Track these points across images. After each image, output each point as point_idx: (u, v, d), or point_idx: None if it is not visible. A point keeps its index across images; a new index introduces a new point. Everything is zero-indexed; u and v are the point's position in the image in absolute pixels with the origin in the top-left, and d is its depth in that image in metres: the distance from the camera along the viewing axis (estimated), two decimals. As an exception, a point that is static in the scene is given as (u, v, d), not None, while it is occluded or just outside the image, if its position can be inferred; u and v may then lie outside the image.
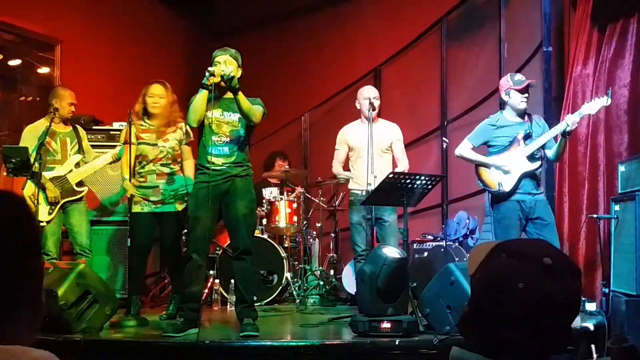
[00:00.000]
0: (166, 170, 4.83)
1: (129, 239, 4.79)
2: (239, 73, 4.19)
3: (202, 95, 4.05)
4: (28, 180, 4.78)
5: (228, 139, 4.17)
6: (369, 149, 4.86)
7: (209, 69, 4.06)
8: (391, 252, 4.14)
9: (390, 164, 5.27)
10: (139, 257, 4.88)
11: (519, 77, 4.72)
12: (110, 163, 5.19)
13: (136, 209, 4.79)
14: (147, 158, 4.81)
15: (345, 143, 5.37)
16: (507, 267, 1.21)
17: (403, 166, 5.22)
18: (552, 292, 1.17)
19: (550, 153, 4.75)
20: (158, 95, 4.84)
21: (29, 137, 4.98)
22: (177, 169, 4.87)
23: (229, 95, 4.14)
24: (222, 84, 4.04)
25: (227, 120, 4.20)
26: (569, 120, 4.49)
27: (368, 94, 5.18)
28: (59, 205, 4.92)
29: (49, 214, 4.88)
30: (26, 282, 1.08)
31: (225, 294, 5.60)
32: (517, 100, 4.68)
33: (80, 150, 5.12)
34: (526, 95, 4.68)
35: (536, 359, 1.20)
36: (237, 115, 4.18)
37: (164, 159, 4.81)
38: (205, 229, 4.15)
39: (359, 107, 5.28)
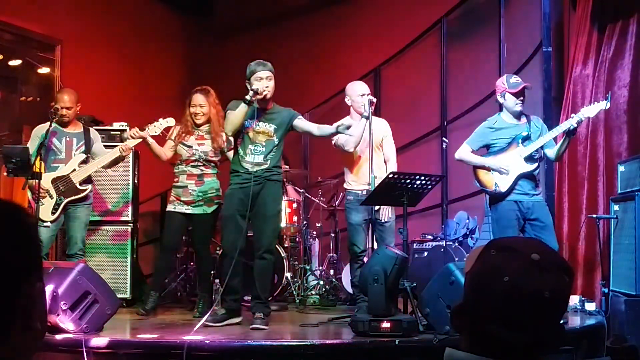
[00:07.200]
0: (196, 171, 5.02)
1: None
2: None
3: (243, 110, 4.27)
4: (28, 180, 4.78)
5: (263, 148, 4.39)
6: (370, 146, 4.64)
7: (254, 87, 4.24)
8: (396, 251, 4.16)
9: (384, 162, 4.97)
10: (165, 254, 5.20)
11: (514, 79, 4.67)
12: (116, 163, 5.18)
13: (169, 207, 5.08)
14: (181, 158, 5.06)
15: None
16: (494, 261, 1.21)
17: (392, 166, 4.90)
18: (537, 286, 1.16)
19: (551, 153, 4.74)
20: (199, 105, 5.05)
21: (34, 137, 4.99)
22: (209, 172, 5.04)
23: (266, 106, 4.41)
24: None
25: (263, 130, 4.41)
26: (567, 124, 4.49)
27: (362, 90, 4.89)
28: (62, 206, 4.90)
29: (52, 214, 4.87)
30: (18, 307, 0.95)
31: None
32: (512, 103, 4.66)
33: (87, 151, 5.09)
34: (522, 98, 4.64)
35: (526, 359, 1.18)
36: (273, 126, 4.41)
37: (196, 161, 5.01)
38: (238, 226, 4.35)
39: (350, 104, 4.97)
